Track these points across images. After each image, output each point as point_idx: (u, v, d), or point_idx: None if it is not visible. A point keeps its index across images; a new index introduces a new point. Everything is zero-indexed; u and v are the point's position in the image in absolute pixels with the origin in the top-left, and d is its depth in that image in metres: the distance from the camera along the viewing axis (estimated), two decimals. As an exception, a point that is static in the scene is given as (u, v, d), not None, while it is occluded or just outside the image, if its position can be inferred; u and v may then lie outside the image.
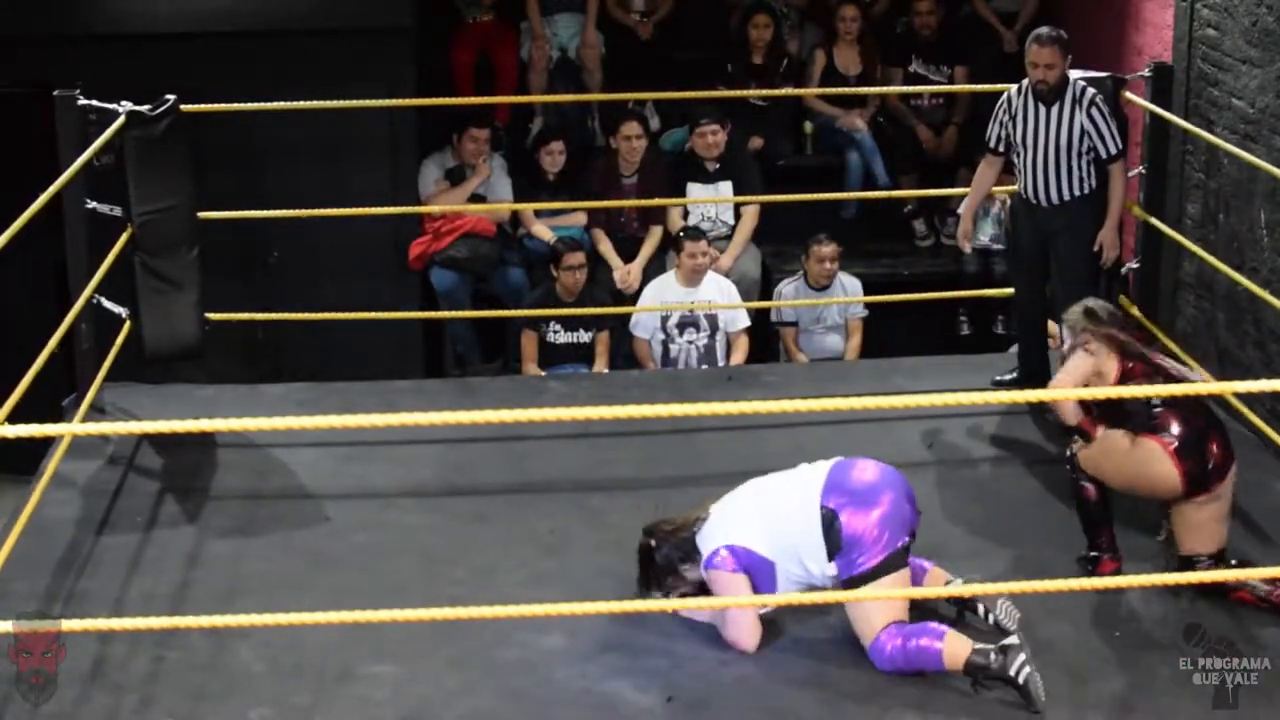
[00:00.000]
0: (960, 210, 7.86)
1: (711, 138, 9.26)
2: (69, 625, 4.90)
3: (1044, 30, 6.94)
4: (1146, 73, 7.58)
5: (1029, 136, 6.92)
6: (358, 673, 5.19)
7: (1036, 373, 7.17)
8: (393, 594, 5.52)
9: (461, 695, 5.10)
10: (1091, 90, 6.89)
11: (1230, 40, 7.17)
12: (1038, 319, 7.26)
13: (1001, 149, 7.10)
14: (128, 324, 6.97)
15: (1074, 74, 7.03)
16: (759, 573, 5.28)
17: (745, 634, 5.28)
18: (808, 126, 10.29)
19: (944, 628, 5.12)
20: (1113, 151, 6.87)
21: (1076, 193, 6.89)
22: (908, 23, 10.41)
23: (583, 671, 5.19)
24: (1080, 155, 6.86)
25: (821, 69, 10.13)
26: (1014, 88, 7.00)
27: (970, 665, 5.03)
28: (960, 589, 5.27)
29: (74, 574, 5.77)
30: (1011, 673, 4.96)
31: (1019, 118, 6.96)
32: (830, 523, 5.17)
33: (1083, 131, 6.83)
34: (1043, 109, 6.88)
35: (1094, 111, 6.83)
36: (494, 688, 5.13)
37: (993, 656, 5.00)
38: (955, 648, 5.05)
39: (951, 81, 10.18)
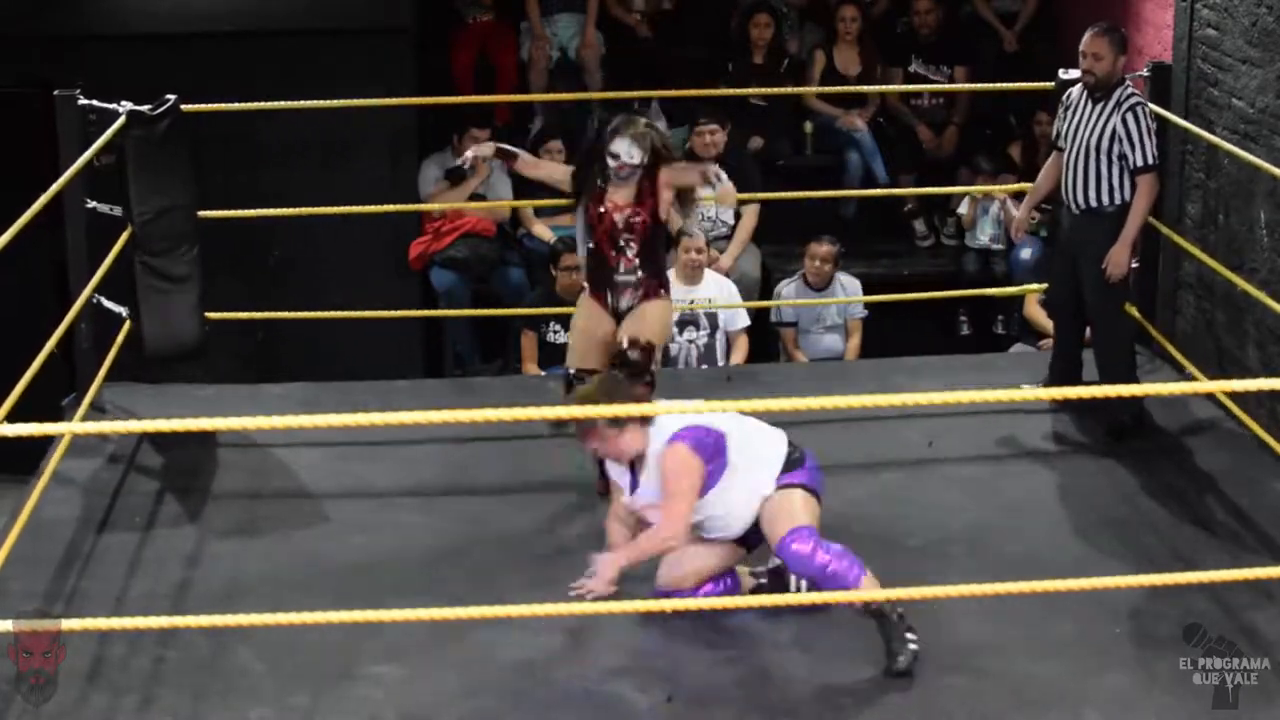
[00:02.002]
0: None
1: (710, 137, 9.25)
2: (69, 625, 4.91)
3: (1100, 22, 6.82)
4: (1146, 73, 7.58)
5: (1070, 132, 6.80)
6: (358, 673, 5.19)
7: (1065, 385, 7.00)
8: (393, 594, 5.52)
9: (461, 695, 5.10)
10: (1137, 96, 6.74)
11: (1230, 40, 7.17)
12: (1071, 329, 7.11)
13: (1062, 148, 6.92)
14: (128, 323, 6.97)
15: (1073, 73, 7.00)
16: (714, 474, 5.26)
17: (680, 528, 5.23)
18: (808, 126, 10.29)
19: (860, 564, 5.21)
20: (1139, 162, 6.67)
21: (1105, 201, 6.73)
22: (908, 23, 10.41)
23: (583, 672, 5.19)
24: (1111, 161, 6.68)
25: (821, 69, 10.13)
26: (1074, 88, 6.89)
27: (876, 609, 5.12)
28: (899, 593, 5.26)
29: (74, 574, 5.77)
30: (907, 636, 5.10)
31: (1070, 111, 6.84)
32: (798, 453, 5.37)
33: (1114, 134, 6.66)
34: (1089, 106, 6.75)
35: (1129, 116, 6.66)
36: (494, 688, 5.13)
37: (899, 617, 5.12)
38: (872, 587, 5.15)
39: (951, 81, 10.18)
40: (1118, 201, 6.74)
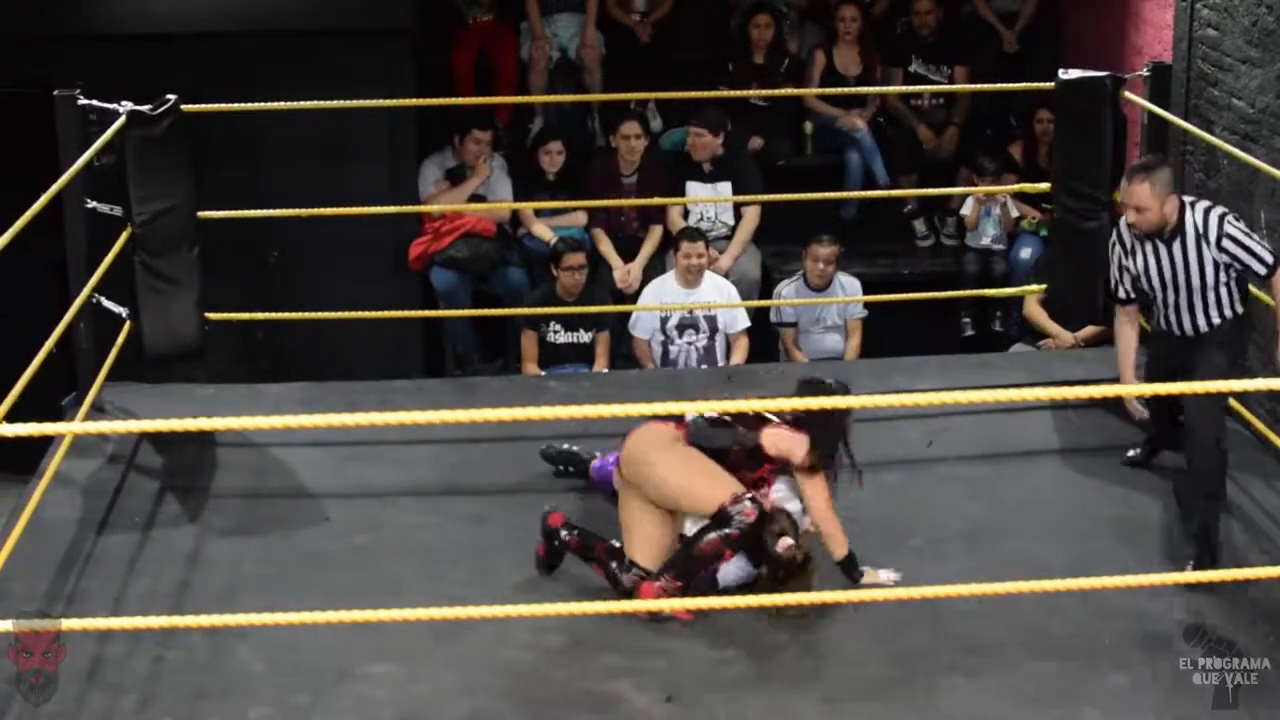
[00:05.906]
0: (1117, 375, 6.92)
1: (698, 140, 9.24)
2: (69, 625, 4.91)
3: (1138, 163, 6.22)
4: (1146, 73, 7.58)
5: (1155, 278, 6.12)
6: (358, 673, 5.19)
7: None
8: (393, 594, 5.52)
9: (461, 695, 5.10)
10: (1215, 219, 5.99)
11: (1230, 40, 7.17)
12: (1164, 449, 6.60)
13: (1132, 296, 6.29)
14: (128, 324, 6.97)
15: (1073, 73, 6.95)
16: None
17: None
18: (808, 126, 10.29)
19: None
20: (1264, 271, 6.03)
21: (1218, 319, 6.13)
22: (908, 23, 10.40)
23: (583, 671, 5.20)
24: (1220, 286, 6.09)
25: (821, 69, 10.12)
26: (1120, 225, 6.24)
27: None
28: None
29: (74, 574, 5.77)
30: None
31: (1137, 257, 6.15)
32: None
33: (1218, 266, 6.01)
34: (1162, 248, 6.06)
35: (1228, 243, 5.99)
36: (494, 688, 5.14)
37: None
38: None
39: (951, 81, 10.18)
40: (1231, 315, 6.17)
